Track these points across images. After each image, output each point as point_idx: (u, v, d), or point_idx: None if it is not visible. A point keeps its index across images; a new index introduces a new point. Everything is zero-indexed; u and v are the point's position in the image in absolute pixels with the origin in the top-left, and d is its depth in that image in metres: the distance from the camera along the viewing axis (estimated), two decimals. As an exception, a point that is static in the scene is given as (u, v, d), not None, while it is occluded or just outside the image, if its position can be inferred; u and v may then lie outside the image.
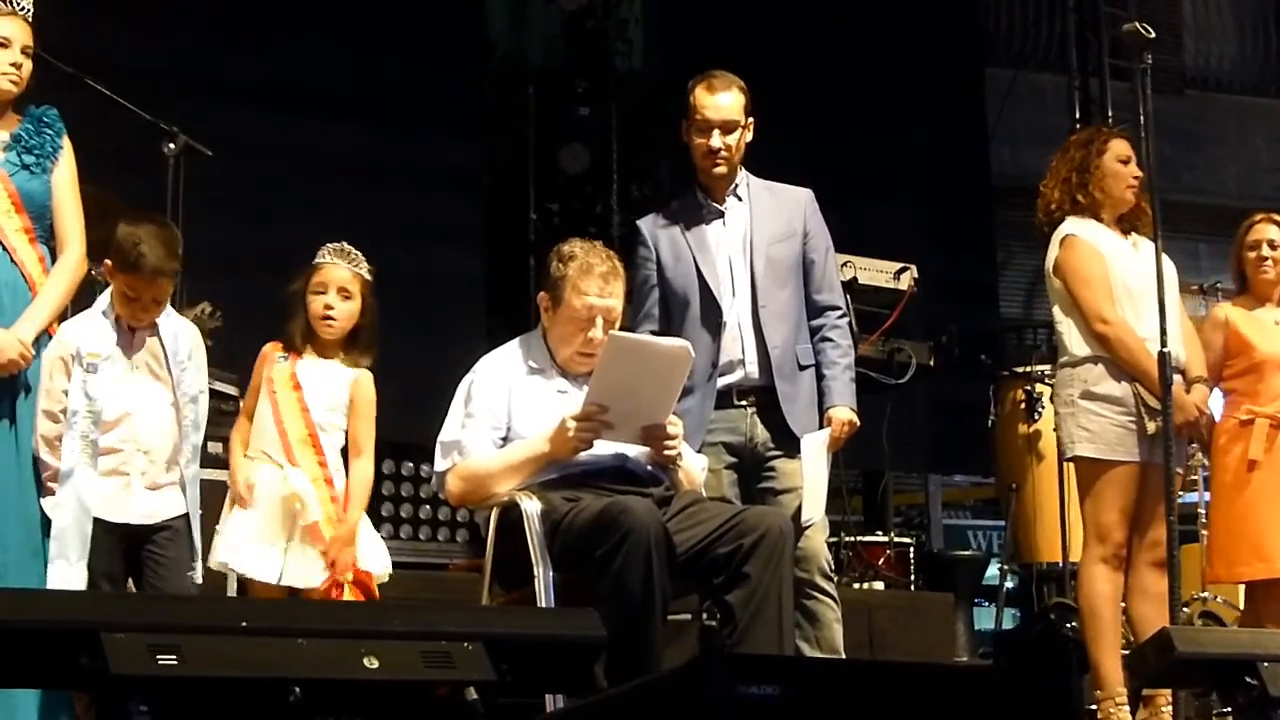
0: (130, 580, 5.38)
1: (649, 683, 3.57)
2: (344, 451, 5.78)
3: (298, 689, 3.40)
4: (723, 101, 6.09)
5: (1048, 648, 8.04)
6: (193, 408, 5.44)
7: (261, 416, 5.73)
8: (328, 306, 5.77)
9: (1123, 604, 6.55)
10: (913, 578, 8.93)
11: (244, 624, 3.43)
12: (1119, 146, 6.64)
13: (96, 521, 5.22)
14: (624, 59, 11.64)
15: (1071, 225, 6.54)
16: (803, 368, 6.11)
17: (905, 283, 8.63)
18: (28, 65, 5.49)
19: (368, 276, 5.85)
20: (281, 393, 5.74)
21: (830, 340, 6.16)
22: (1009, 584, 9.37)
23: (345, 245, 5.88)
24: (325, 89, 9.37)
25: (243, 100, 8.87)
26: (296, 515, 5.60)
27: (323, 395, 5.77)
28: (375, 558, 5.78)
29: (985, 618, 9.76)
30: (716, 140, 6.07)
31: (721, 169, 6.10)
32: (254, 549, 5.58)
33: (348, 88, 9.47)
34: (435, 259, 9.63)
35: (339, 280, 5.79)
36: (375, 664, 3.50)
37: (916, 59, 11.35)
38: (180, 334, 5.51)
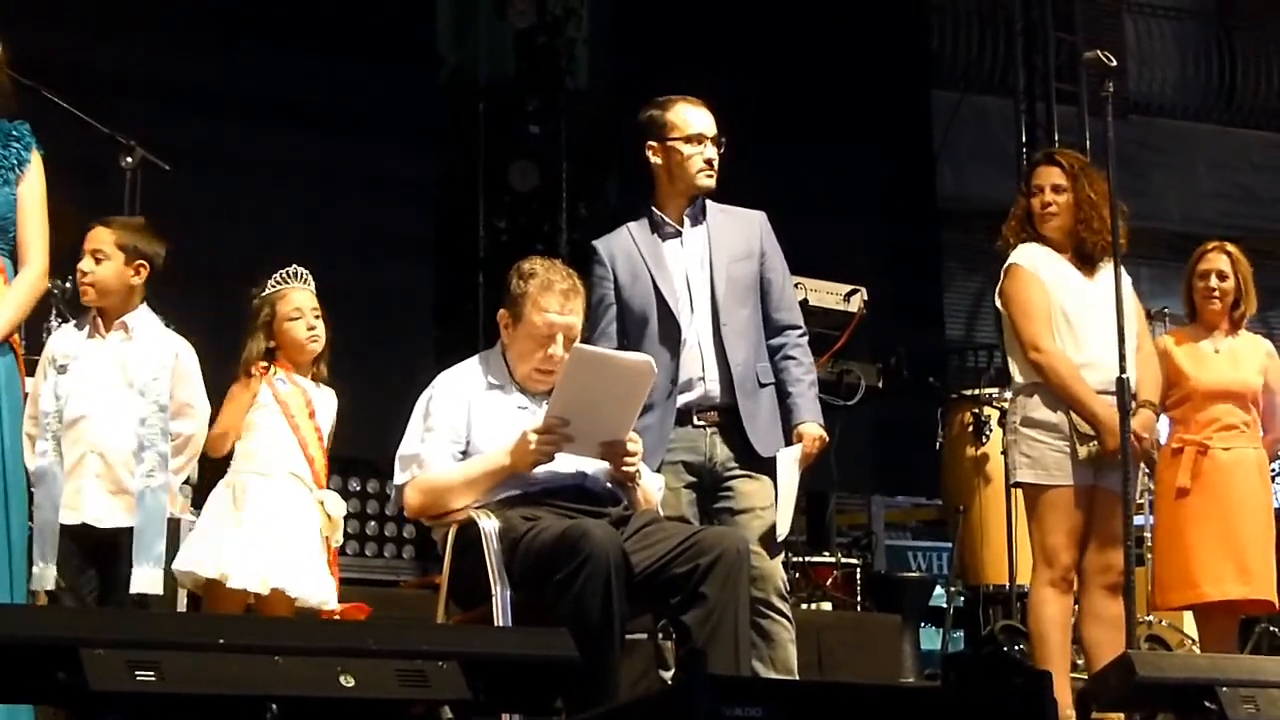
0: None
1: (634, 704, 3.57)
2: None
3: (275, 706, 3.40)
4: (708, 116, 6.16)
5: (996, 670, 8.06)
6: (160, 417, 5.43)
7: (275, 435, 5.77)
8: (311, 329, 5.88)
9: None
10: (860, 599, 8.94)
11: (222, 641, 3.43)
12: (1033, 177, 6.68)
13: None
14: (571, 77, 11.64)
15: (1017, 254, 6.59)
16: (762, 385, 6.13)
17: (855, 305, 8.67)
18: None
19: None
20: (300, 418, 5.84)
21: (793, 359, 6.18)
22: (951, 605, 9.39)
23: (297, 268, 6.00)
24: (275, 100, 9.34)
25: (194, 110, 8.85)
26: (328, 539, 5.80)
27: (326, 421, 5.99)
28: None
29: (930, 639, 9.78)
30: (711, 150, 6.11)
31: (713, 180, 6.13)
32: (260, 564, 5.64)
33: (297, 100, 9.45)
34: (385, 272, 9.63)
35: (311, 302, 5.95)
36: (352, 682, 3.51)
37: (864, 79, 11.40)
38: (165, 347, 5.59)
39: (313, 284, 5.98)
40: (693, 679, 3.09)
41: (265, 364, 5.88)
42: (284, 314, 5.90)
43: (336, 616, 5.76)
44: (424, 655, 3.64)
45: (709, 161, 6.12)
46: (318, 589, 5.72)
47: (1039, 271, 6.52)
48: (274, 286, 5.94)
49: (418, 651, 3.63)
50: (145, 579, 5.39)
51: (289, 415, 5.82)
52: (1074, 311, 6.46)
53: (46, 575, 5.19)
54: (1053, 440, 6.41)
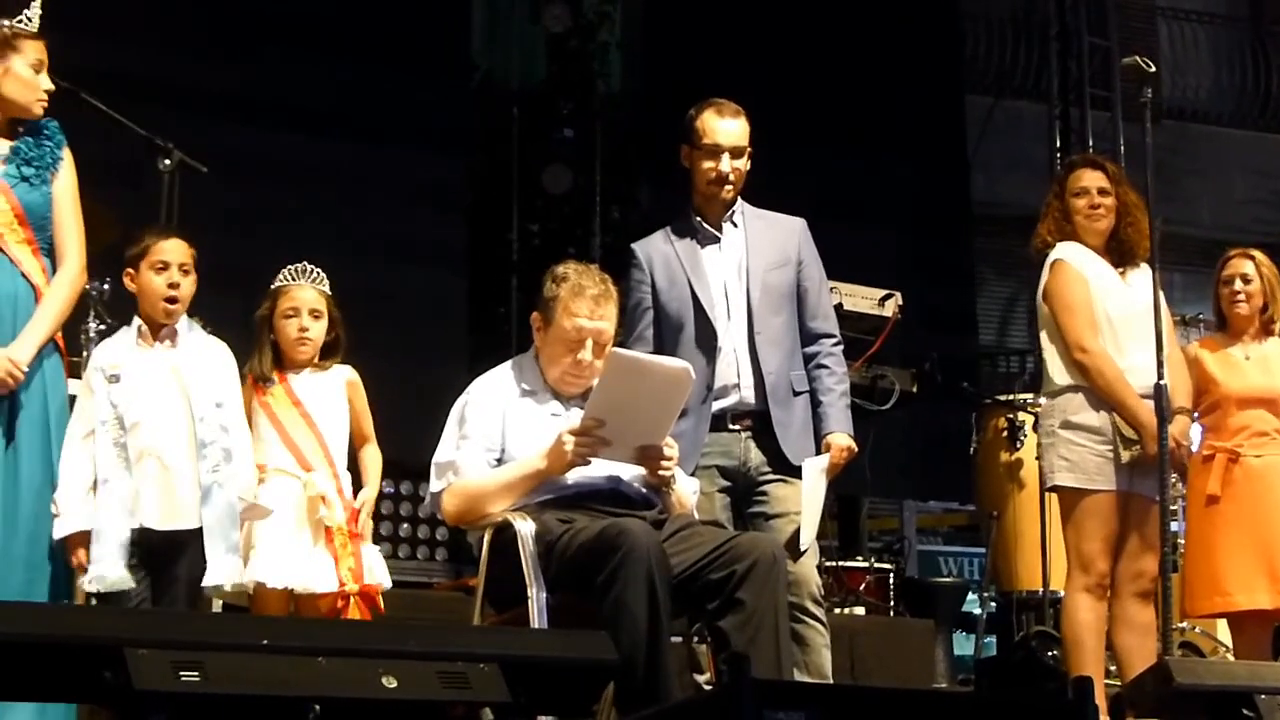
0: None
1: (676, 708, 3.57)
2: None
3: (317, 707, 3.41)
4: (732, 126, 6.14)
5: (1029, 676, 8.05)
6: (217, 413, 5.46)
7: (263, 439, 5.77)
8: (303, 329, 5.88)
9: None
10: (893, 604, 8.93)
11: (265, 642, 3.44)
12: (1076, 178, 6.66)
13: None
14: (604, 82, 11.65)
15: (1061, 250, 6.57)
16: (796, 394, 6.12)
17: (890, 309, 8.65)
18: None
19: (329, 293, 5.98)
20: (283, 411, 5.82)
21: (826, 367, 6.17)
22: (984, 611, 9.38)
23: (306, 265, 5.99)
24: (308, 106, 9.36)
25: (226, 117, 8.87)
26: (321, 519, 5.73)
27: (324, 405, 5.93)
28: (379, 570, 5.90)
29: (962, 644, 9.77)
30: (726, 164, 6.10)
31: (729, 193, 6.14)
32: (268, 557, 5.64)
33: (331, 105, 9.47)
34: (417, 277, 9.63)
35: (309, 302, 5.92)
36: (393, 683, 3.52)
37: (898, 85, 11.39)
38: (214, 345, 5.63)
39: (323, 282, 5.96)
40: (737, 683, 3.09)
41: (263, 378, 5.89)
42: (280, 310, 5.91)
43: (340, 598, 5.73)
44: (465, 657, 3.66)
45: (721, 175, 6.12)
46: (297, 574, 5.68)
47: (1084, 270, 6.51)
48: (279, 282, 5.96)
49: (459, 653, 3.65)
50: (223, 569, 5.41)
51: (271, 415, 5.82)
52: (1117, 314, 6.44)
53: (119, 575, 5.23)
54: (1094, 444, 6.39)
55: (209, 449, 5.42)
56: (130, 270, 5.61)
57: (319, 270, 5.98)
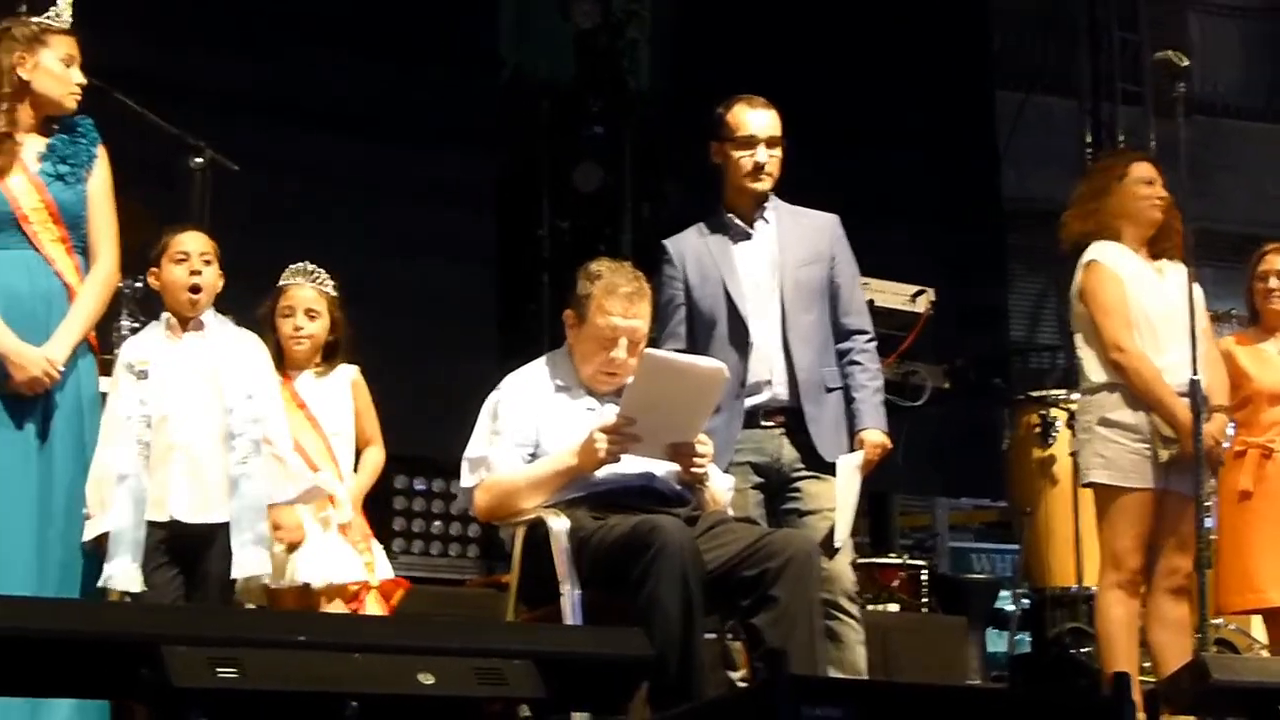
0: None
1: (713, 704, 3.57)
2: None
3: (354, 703, 3.42)
4: (765, 117, 6.15)
5: (1062, 672, 8.04)
6: (248, 405, 5.46)
7: None
8: (296, 327, 5.92)
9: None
10: (925, 600, 8.91)
11: (302, 638, 3.45)
12: (1141, 169, 6.65)
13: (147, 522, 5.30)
14: (633, 79, 11.63)
15: (1096, 250, 6.54)
16: (829, 390, 6.12)
17: (922, 305, 8.64)
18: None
19: (333, 293, 6.01)
20: (288, 414, 5.80)
21: (859, 364, 6.17)
22: (1017, 607, 9.36)
23: (308, 265, 6.04)
24: (337, 103, 9.36)
25: (253, 115, 8.85)
26: (328, 518, 5.73)
27: (329, 406, 5.94)
28: (386, 566, 5.93)
29: (994, 641, 9.74)
30: (762, 154, 6.10)
31: (764, 184, 6.13)
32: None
33: (360, 102, 9.46)
34: (447, 275, 9.61)
35: (305, 301, 5.95)
36: (430, 680, 3.52)
37: (927, 81, 11.35)
38: (236, 341, 5.63)
39: (324, 282, 5.99)
40: (774, 679, 3.08)
41: None
42: (279, 310, 5.94)
43: (360, 592, 5.73)
44: (501, 654, 3.66)
45: (758, 165, 6.11)
46: (310, 569, 5.68)
47: (1119, 269, 6.49)
48: (281, 281, 5.99)
49: (495, 650, 3.65)
50: (251, 561, 5.41)
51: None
52: (1154, 312, 6.42)
53: (128, 576, 5.22)
54: (1130, 441, 6.37)
55: (238, 440, 5.43)
56: (154, 269, 5.62)
57: (321, 270, 6.01)
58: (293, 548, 5.57)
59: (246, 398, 5.48)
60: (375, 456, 6.05)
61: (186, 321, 5.56)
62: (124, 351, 5.53)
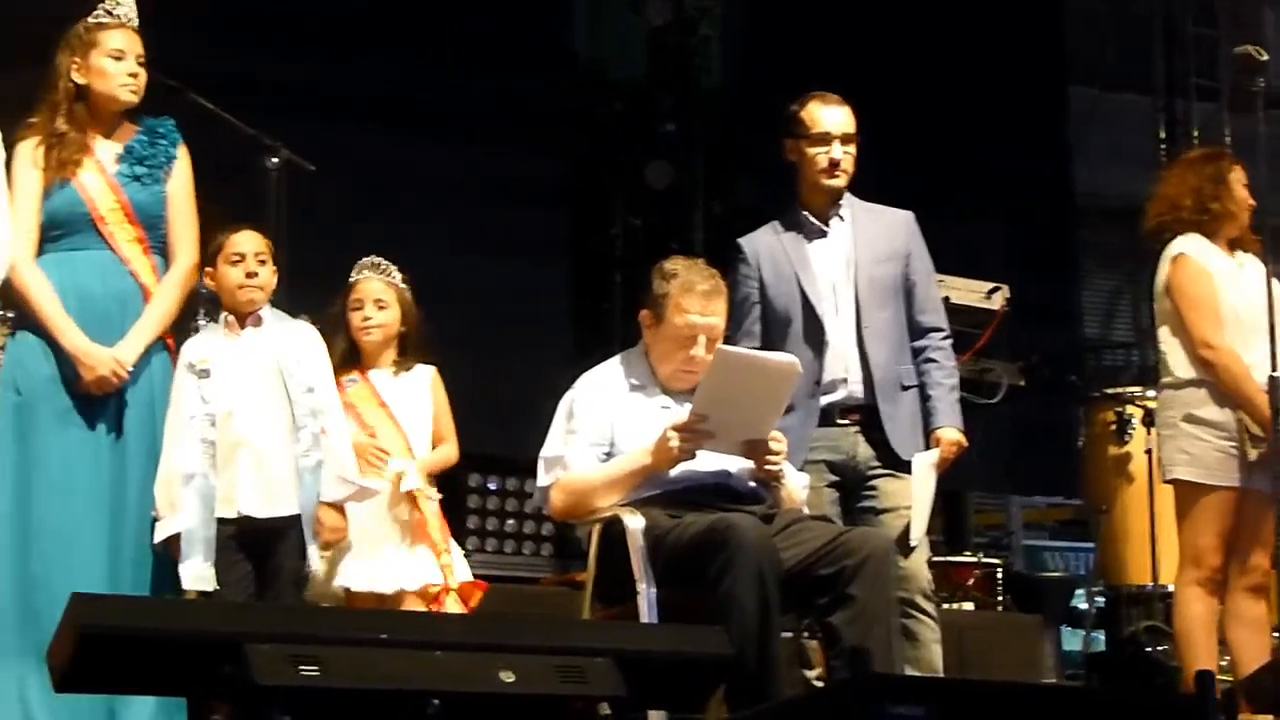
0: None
1: (794, 702, 3.57)
2: None
3: (436, 701, 3.42)
4: (840, 114, 6.13)
5: (1139, 671, 7.99)
6: (309, 398, 5.47)
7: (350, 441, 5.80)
8: (365, 318, 5.94)
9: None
10: (1000, 599, 8.87)
11: (384, 636, 3.46)
12: (1238, 172, 6.61)
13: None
14: (704, 75, 11.62)
15: (1182, 244, 6.48)
16: (905, 388, 6.10)
17: (997, 302, 8.59)
18: (143, 75, 5.55)
19: (402, 285, 6.04)
20: (368, 411, 5.83)
21: (935, 361, 6.15)
22: (1092, 605, 9.31)
23: (376, 258, 6.08)
24: (410, 103, 9.38)
25: (325, 116, 8.88)
26: (410, 513, 5.76)
27: (409, 404, 5.96)
28: (464, 568, 5.90)
29: (1069, 640, 9.69)
30: (838, 150, 6.08)
31: (840, 181, 6.11)
32: (362, 563, 5.66)
33: (433, 102, 9.48)
34: (520, 273, 9.62)
35: (374, 293, 5.97)
36: (511, 678, 3.53)
37: (1000, 77, 11.31)
38: (294, 334, 5.63)
39: (391, 274, 6.03)
40: (857, 678, 3.08)
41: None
42: (349, 304, 5.98)
43: (440, 594, 5.75)
44: (581, 651, 3.67)
45: (834, 162, 6.09)
46: (384, 577, 5.70)
47: (1208, 264, 6.45)
48: (351, 277, 6.02)
49: (577, 648, 3.66)
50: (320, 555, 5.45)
51: (358, 416, 5.84)
52: (1241, 308, 6.38)
53: (202, 576, 5.23)
54: (1217, 439, 6.32)
55: (301, 433, 5.44)
56: (209, 269, 5.61)
57: (388, 263, 6.05)
58: (327, 547, 5.57)
59: (307, 390, 5.49)
60: (448, 450, 6.07)
61: (244, 319, 5.58)
62: (185, 352, 5.53)
